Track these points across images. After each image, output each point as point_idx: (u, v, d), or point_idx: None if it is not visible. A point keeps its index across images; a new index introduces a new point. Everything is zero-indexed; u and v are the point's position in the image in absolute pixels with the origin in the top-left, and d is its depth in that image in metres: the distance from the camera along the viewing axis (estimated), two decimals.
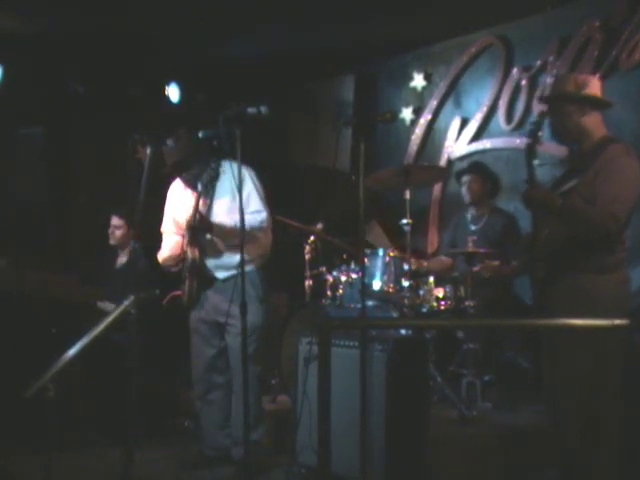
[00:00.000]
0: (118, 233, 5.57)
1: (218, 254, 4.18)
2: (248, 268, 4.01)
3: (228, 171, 4.16)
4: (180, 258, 4.22)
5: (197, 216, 4.09)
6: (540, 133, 3.40)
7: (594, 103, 3.36)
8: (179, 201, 4.31)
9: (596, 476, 3.17)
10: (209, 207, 4.18)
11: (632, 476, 3.42)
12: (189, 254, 4.15)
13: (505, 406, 4.66)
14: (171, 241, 4.32)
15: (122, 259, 5.63)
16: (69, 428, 4.40)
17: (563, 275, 3.24)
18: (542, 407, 3.78)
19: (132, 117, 6.24)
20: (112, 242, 5.61)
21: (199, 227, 4.10)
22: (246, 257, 4.04)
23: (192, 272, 4.16)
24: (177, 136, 4.16)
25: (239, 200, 3.60)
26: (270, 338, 4.97)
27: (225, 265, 4.16)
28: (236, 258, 3.89)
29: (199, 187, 4.17)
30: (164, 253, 4.32)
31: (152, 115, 6.13)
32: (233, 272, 4.03)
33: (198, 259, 4.15)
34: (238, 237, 3.72)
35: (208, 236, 4.15)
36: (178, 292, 4.27)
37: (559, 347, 3.23)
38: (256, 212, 4.12)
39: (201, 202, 4.16)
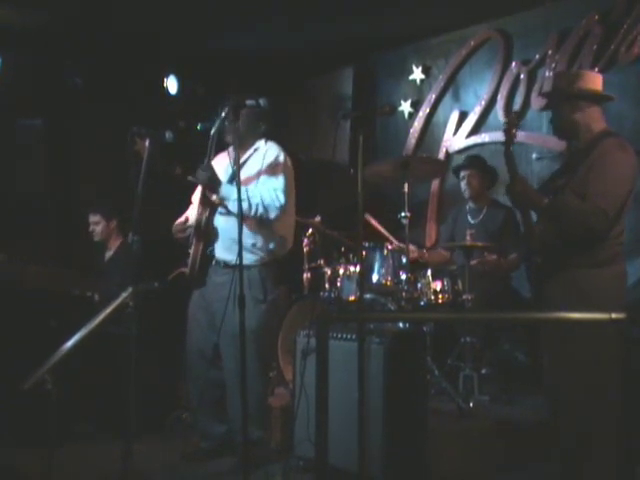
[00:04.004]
0: (98, 229, 5.62)
1: (228, 227, 3.94)
2: (250, 261, 3.95)
3: (262, 149, 4.12)
4: (185, 225, 4.10)
5: (206, 166, 3.91)
6: (514, 130, 3.35)
7: (586, 98, 3.29)
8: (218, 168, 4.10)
9: (595, 471, 3.17)
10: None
11: (631, 472, 3.42)
12: (197, 215, 4.01)
13: (502, 399, 4.67)
14: (190, 210, 4.22)
15: (109, 253, 5.65)
16: (68, 421, 4.40)
17: (557, 269, 3.22)
18: (539, 400, 3.79)
19: (131, 109, 6.23)
20: (96, 239, 5.65)
21: (206, 177, 3.90)
22: (253, 245, 4.02)
23: (198, 235, 4.00)
24: (238, 115, 3.99)
25: (237, 184, 3.49)
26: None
27: (231, 246, 3.82)
28: (246, 241, 3.81)
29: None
30: (178, 220, 4.20)
31: (151, 107, 6.13)
32: (235, 259, 3.59)
33: (204, 222, 3.97)
34: (249, 214, 3.73)
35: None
36: (184, 269, 4.14)
37: (557, 342, 3.22)
38: (274, 190, 3.97)
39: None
